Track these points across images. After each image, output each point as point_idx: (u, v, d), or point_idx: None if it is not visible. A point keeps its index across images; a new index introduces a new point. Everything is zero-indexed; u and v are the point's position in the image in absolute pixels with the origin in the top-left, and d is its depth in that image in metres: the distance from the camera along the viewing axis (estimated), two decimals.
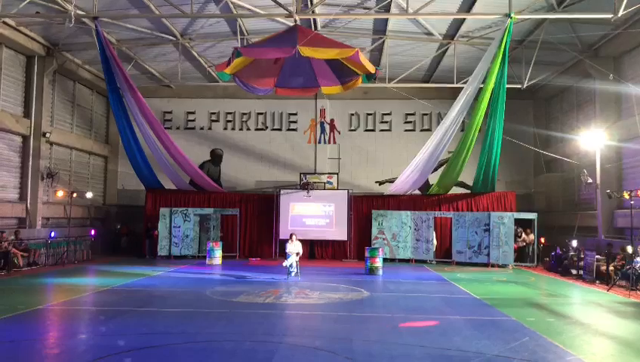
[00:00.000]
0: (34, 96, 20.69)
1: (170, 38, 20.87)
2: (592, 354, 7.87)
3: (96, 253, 22.35)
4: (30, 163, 20.47)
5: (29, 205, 20.26)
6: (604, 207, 19.52)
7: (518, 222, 21.20)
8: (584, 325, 10.16)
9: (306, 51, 15.88)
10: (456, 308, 11.64)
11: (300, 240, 16.89)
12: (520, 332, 9.04)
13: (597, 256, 16.47)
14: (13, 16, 17.85)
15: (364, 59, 17.02)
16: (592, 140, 19.19)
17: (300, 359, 7.55)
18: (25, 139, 20.56)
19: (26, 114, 20.61)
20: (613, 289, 14.30)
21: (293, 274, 16.13)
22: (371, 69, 17.38)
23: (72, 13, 15.92)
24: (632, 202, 14.74)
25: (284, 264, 16.17)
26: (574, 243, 18.75)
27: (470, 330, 9.35)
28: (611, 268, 15.51)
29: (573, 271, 17.63)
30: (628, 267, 14.47)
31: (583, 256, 17.27)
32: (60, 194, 20.94)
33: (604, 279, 15.59)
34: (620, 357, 7.99)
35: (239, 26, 19.87)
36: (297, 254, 16.32)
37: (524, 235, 21.30)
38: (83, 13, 17.30)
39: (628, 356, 8.00)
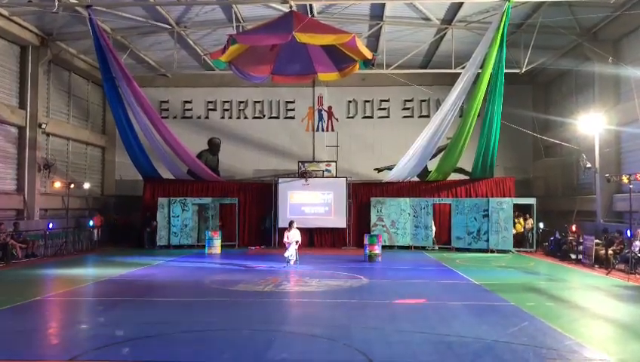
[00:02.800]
0: (29, 86, 20.52)
1: (166, 26, 20.65)
2: (591, 338, 7.85)
3: (95, 243, 22.32)
4: (27, 154, 20.37)
5: (26, 196, 20.18)
6: (603, 192, 19.48)
7: (518, 208, 21.18)
8: (583, 309, 10.18)
9: (302, 37, 15.72)
10: (455, 294, 11.64)
11: (299, 229, 16.86)
12: (519, 317, 9.03)
13: (596, 241, 16.47)
14: (6, 6, 17.65)
15: (360, 44, 16.88)
16: (590, 124, 19.08)
17: (299, 346, 7.54)
18: (21, 130, 20.43)
19: (22, 105, 20.46)
20: (612, 273, 14.30)
21: (292, 262, 16.12)
22: (368, 54, 17.24)
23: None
24: (632, 186, 14.69)
25: (285, 254, 16.13)
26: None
27: (469, 316, 9.35)
28: (610, 251, 15.52)
29: (573, 256, 17.64)
30: (627, 251, 14.47)
31: (582, 240, 17.27)
32: (58, 185, 20.92)
33: (602, 263, 15.61)
34: (618, 340, 7.99)
35: (234, 13, 19.65)
36: (297, 242, 16.29)
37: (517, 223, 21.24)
38: (76, 1, 17.09)
39: (627, 339, 8.00)
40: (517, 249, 20.65)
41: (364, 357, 6.80)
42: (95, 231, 22.04)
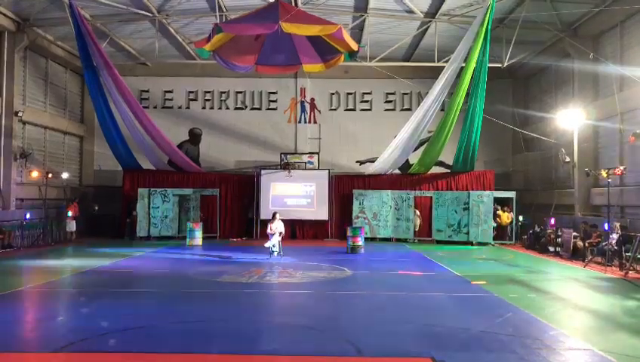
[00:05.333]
0: (4, 73, 19.92)
1: (147, 14, 20.24)
2: (574, 328, 8.03)
3: (72, 234, 21.92)
4: (2, 142, 19.81)
5: (1, 186, 19.66)
6: (581, 185, 19.86)
7: (498, 201, 21.46)
8: (564, 300, 10.37)
9: (288, 27, 15.61)
10: (439, 286, 11.76)
11: (282, 220, 16.81)
12: (503, 308, 9.17)
13: (574, 233, 16.79)
14: None
15: (347, 36, 16.86)
16: (569, 119, 19.39)
17: (288, 337, 7.53)
18: None
19: None
20: (589, 266, 14.61)
21: (275, 253, 16.09)
22: (354, 46, 17.23)
23: None
24: (610, 180, 15.00)
25: (266, 245, 16.09)
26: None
27: (455, 307, 9.46)
28: (587, 244, 15.85)
29: (551, 249, 17.96)
30: (604, 243, 14.79)
31: (560, 233, 17.60)
32: (35, 174, 20.46)
33: (579, 256, 15.93)
34: (600, 330, 8.16)
35: (218, 2, 19.37)
36: (280, 234, 16.25)
37: (502, 215, 21.53)
38: None
39: (607, 329, 8.18)
40: (496, 241, 20.96)
41: (352, 347, 6.83)
42: (72, 221, 21.47)
